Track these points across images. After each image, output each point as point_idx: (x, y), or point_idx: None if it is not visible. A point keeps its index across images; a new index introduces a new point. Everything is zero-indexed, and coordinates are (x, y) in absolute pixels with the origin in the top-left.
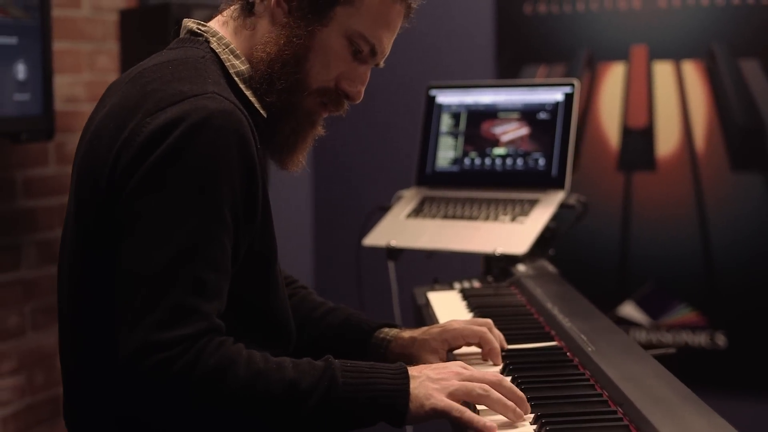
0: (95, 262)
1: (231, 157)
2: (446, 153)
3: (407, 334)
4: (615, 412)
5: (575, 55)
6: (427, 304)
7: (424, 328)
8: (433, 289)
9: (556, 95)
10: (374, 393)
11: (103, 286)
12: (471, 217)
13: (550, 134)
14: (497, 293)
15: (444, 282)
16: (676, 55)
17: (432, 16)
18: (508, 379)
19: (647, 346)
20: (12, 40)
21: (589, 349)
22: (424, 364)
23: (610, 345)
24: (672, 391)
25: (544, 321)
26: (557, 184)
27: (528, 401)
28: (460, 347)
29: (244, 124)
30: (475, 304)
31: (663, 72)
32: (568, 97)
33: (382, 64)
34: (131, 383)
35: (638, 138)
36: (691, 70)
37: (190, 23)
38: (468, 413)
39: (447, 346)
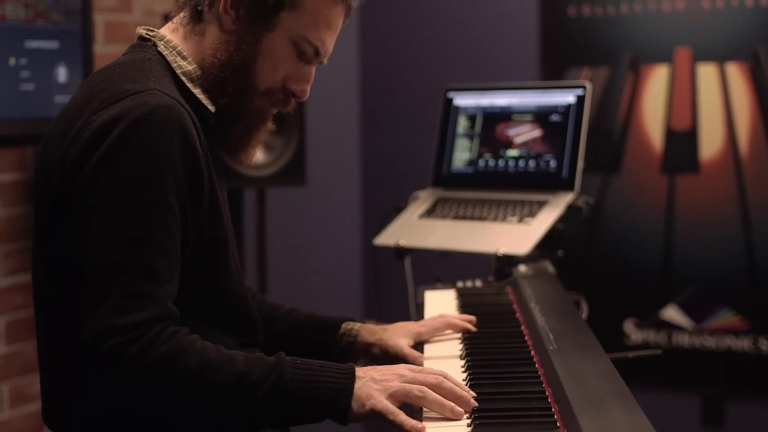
0: (54, 257)
1: (173, 149)
2: (462, 154)
3: (375, 324)
4: (550, 409)
5: (619, 57)
6: (423, 301)
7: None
8: (434, 287)
9: (569, 98)
10: (319, 391)
11: (62, 280)
12: (480, 218)
13: (561, 136)
14: (491, 293)
15: (448, 281)
16: (719, 56)
17: (477, 20)
18: (463, 376)
19: (642, 346)
20: (53, 45)
21: (551, 347)
22: (395, 346)
23: (572, 344)
24: (610, 390)
25: (523, 320)
26: (567, 185)
27: (477, 396)
28: (431, 336)
29: (184, 118)
30: (465, 303)
31: (707, 74)
32: (580, 100)
33: (325, 62)
34: (90, 368)
35: (682, 140)
36: (735, 72)
37: (140, 30)
38: (401, 416)
39: (418, 337)
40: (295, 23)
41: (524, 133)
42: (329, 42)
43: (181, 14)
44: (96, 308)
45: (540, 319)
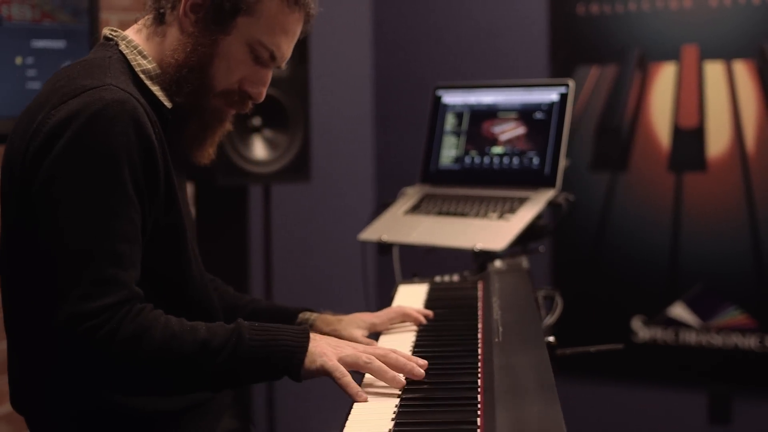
0: (20, 248)
1: (128, 140)
2: (449, 152)
3: (331, 314)
4: (476, 399)
5: (627, 55)
6: (395, 295)
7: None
8: (411, 282)
9: (552, 95)
10: (276, 349)
11: (30, 271)
12: (462, 214)
13: (545, 134)
14: (462, 287)
15: (426, 276)
16: (726, 54)
17: (487, 18)
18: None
19: (649, 343)
20: (60, 44)
21: (496, 340)
22: (349, 337)
23: (517, 337)
24: (536, 381)
25: (482, 314)
26: (549, 182)
27: (413, 384)
28: (385, 327)
29: (138, 111)
30: (432, 297)
31: (714, 72)
32: (563, 98)
33: (283, 66)
34: (65, 351)
35: (689, 138)
36: (742, 70)
37: (105, 30)
38: (347, 378)
39: (373, 327)
40: (251, 28)
41: (509, 130)
42: (285, 47)
43: (146, 16)
44: (67, 295)
45: (497, 313)
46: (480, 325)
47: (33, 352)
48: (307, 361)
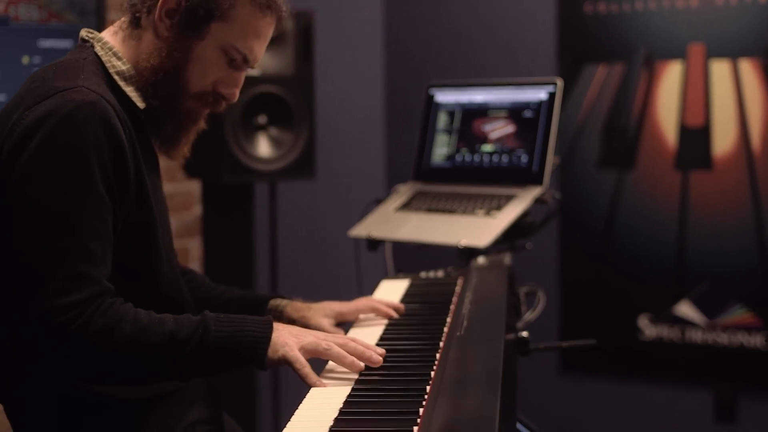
0: None
1: (98, 141)
2: (441, 149)
3: (302, 302)
4: (424, 390)
5: (633, 54)
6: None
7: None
8: (396, 277)
9: (540, 94)
10: (241, 340)
11: (4, 266)
12: (450, 211)
13: (533, 132)
14: (441, 283)
15: (412, 272)
16: (733, 53)
17: (496, 17)
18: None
19: (656, 341)
20: (67, 44)
21: (458, 333)
22: (317, 325)
23: (479, 331)
24: (484, 374)
25: (454, 309)
26: (537, 180)
27: (368, 375)
28: (353, 317)
29: (108, 112)
30: (410, 292)
31: (720, 70)
32: (552, 96)
33: (256, 67)
34: (39, 344)
35: (695, 137)
36: (748, 69)
37: (82, 32)
38: (307, 368)
39: (340, 317)
40: (224, 33)
41: (499, 128)
42: (258, 50)
43: (123, 19)
44: (40, 290)
45: (466, 308)
46: (449, 320)
47: (8, 343)
48: (270, 351)
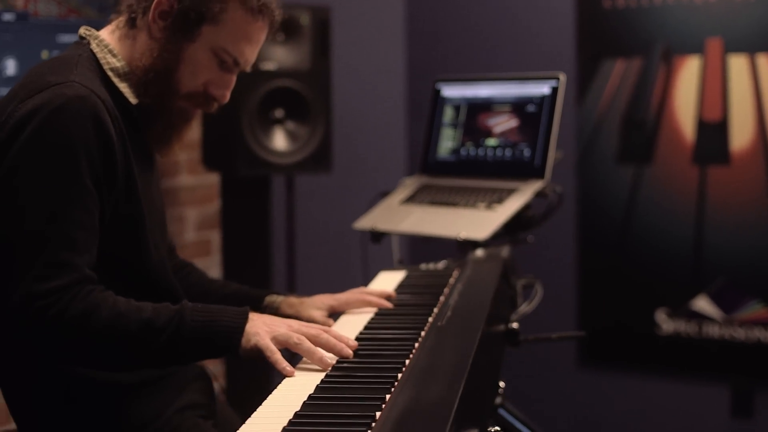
0: None
1: (87, 135)
2: (447, 143)
3: (296, 298)
4: (395, 377)
5: (652, 48)
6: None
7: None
8: (394, 268)
9: (543, 89)
10: (216, 329)
11: None
12: (453, 204)
13: (536, 126)
14: (436, 275)
15: (413, 264)
16: (750, 48)
17: (514, 11)
18: (353, 338)
19: (673, 336)
20: None
21: (439, 323)
22: (308, 318)
23: (458, 322)
24: (452, 363)
25: (444, 299)
26: (538, 174)
27: (345, 362)
28: (344, 309)
29: (98, 107)
30: (404, 283)
31: (737, 65)
32: (554, 91)
33: (248, 69)
34: (19, 328)
35: (713, 131)
36: (766, 64)
37: (81, 29)
38: (277, 355)
39: (332, 310)
40: (215, 36)
41: (503, 122)
42: (249, 53)
43: (120, 18)
44: (22, 276)
45: (453, 299)
46: (435, 310)
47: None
48: (243, 341)
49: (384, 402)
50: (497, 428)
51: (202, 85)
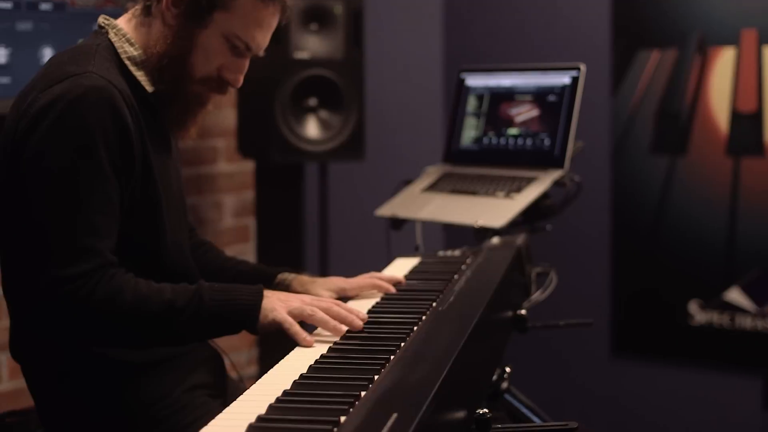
0: (11, 218)
1: (105, 124)
2: (470, 132)
3: (308, 276)
4: (387, 359)
5: (687, 39)
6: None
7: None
8: (412, 255)
9: (564, 79)
10: (233, 308)
11: (20, 238)
12: (473, 192)
13: (556, 116)
14: (450, 261)
15: (431, 250)
16: None
17: (549, 2)
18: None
19: (706, 327)
20: None
21: (440, 308)
22: (317, 296)
23: (457, 307)
24: (442, 348)
25: (451, 285)
26: (558, 163)
27: (340, 344)
28: (355, 293)
29: (114, 97)
30: (416, 269)
31: None
32: (575, 81)
33: (261, 53)
34: (47, 310)
35: (747, 123)
36: None
37: (99, 19)
38: (296, 327)
39: (342, 292)
40: (227, 22)
41: (524, 112)
42: (261, 38)
43: (136, 6)
44: (48, 261)
45: (459, 285)
46: (441, 296)
47: (23, 309)
48: (261, 317)
49: (372, 382)
50: (485, 410)
51: (215, 69)
